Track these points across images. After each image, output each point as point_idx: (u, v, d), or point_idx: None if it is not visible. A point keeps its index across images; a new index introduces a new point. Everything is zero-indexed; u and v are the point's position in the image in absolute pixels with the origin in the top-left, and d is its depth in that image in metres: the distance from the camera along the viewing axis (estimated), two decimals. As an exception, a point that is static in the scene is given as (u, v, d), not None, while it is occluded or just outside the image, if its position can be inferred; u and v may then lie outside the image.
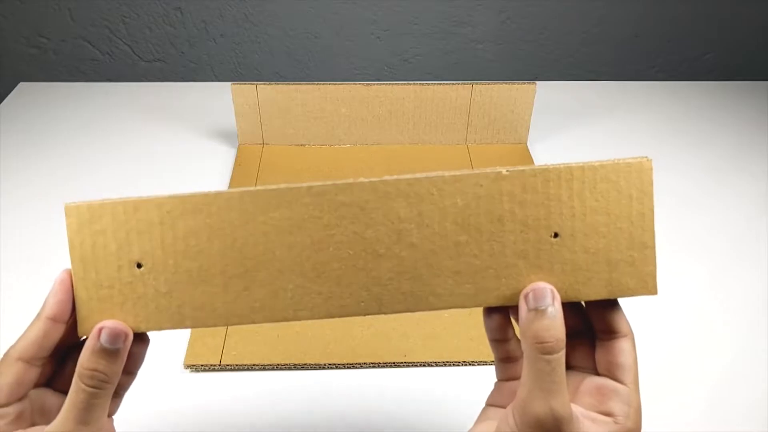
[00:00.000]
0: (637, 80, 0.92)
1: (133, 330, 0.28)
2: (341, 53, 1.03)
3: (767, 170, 0.73)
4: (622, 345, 0.29)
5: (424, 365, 0.49)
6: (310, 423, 0.45)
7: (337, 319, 0.31)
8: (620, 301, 0.30)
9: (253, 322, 0.29)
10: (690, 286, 0.57)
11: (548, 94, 0.80)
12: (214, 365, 0.48)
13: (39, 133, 0.77)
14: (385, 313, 0.29)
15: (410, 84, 0.70)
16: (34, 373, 0.28)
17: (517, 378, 0.31)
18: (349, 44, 1.02)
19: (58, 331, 0.28)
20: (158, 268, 0.28)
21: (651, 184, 0.28)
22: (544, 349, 0.26)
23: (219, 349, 0.49)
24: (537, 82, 0.70)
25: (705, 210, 0.66)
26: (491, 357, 0.49)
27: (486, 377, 0.48)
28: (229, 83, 0.70)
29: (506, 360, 0.31)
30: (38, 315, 0.28)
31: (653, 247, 0.29)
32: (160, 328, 0.29)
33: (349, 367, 0.49)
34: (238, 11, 0.97)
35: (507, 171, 0.28)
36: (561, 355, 0.27)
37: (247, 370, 0.49)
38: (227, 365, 0.48)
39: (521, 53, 1.04)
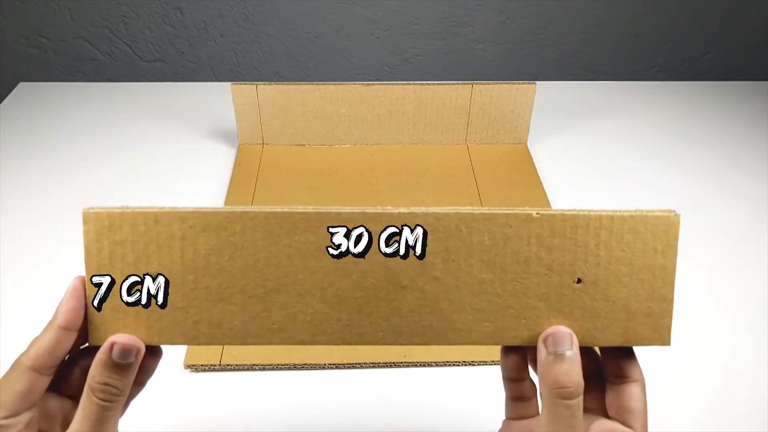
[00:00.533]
0: (637, 80, 0.92)
1: (145, 343, 0.28)
2: (341, 53, 1.03)
3: (767, 170, 0.73)
4: (632, 390, 0.29)
5: (424, 365, 0.49)
6: (311, 423, 0.45)
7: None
8: None
9: (270, 343, 0.29)
10: (690, 286, 0.57)
11: (548, 94, 0.80)
12: (214, 365, 0.48)
13: (39, 133, 0.77)
14: (402, 344, 0.29)
15: (410, 84, 0.70)
16: (44, 382, 0.28)
17: (527, 417, 0.31)
18: (349, 44, 1.02)
19: (70, 340, 0.28)
20: (176, 283, 0.28)
21: (677, 238, 0.28)
22: (563, 394, 0.27)
23: (219, 349, 0.49)
24: (537, 82, 0.70)
25: (705, 210, 0.66)
26: (491, 357, 0.49)
27: (486, 377, 0.49)
28: (229, 83, 0.70)
29: (518, 399, 0.31)
30: (50, 323, 0.28)
31: (672, 301, 0.29)
32: (173, 343, 0.29)
33: (349, 367, 0.49)
34: (238, 11, 0.97)
35: (537, 214, 0.28)
36: (580, 400, 0.27)
37: (247, 370, 0.49)
38: (227, 365, 0.48)
39: (521, 53, 1.04)
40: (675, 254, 0.29)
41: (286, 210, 0.28)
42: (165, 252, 0.28)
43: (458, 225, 0.28)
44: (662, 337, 0.29)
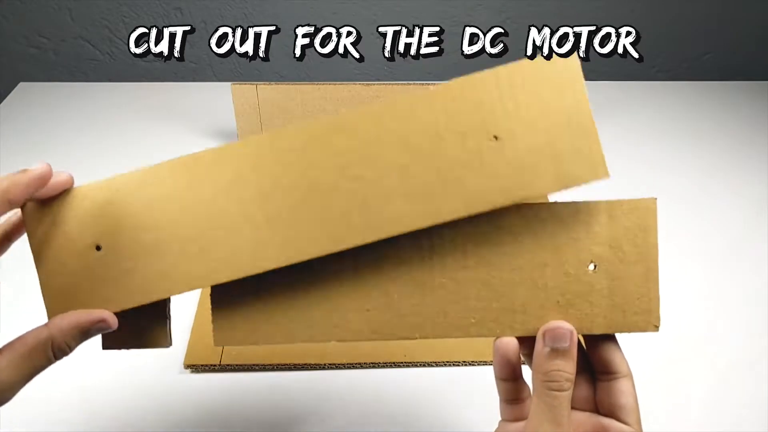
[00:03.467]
0: (637, 80, 0.92)
1: (108, 311, 0.29)
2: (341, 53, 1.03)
3: (767, 170, 0.73)
4: (622, 386, 0.29)
5: (424, 365, 0.49)
6: (310, 423, 0.45)
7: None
8: (619, 337, 0.30)
9: (217, 282, 0.29)
10: (689, 286, 0.57)
11: (548, 94, 0.80)
12: (214, 365, 0.48)
13: (39, 133, 0.77)
14: (342, 249, 0.29)
15: (410, 84, 0.70)
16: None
17: (522, 419, 0.31)
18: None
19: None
20: (117, 247, 0.29)
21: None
22: (553, 386, 0.27)
23: (219, 349, 0.49)
24: (537, 82, 0.70)
25: (705, 210, 0.66)
26: (491, 357, 0.49)
27: (486, 377, 0.49)
28: (229, 83, 0.70)
29: (512, 402, 0.32)
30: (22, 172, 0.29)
31: (596, 132, 0.28)
32: (133, 305, 0.29)
33: (349, 367, 0.49)
34: (238, 11, 0.97)
35: (434, 87, 0.29)
36: (569, 393, 0.27)
37: (247, 370, 0.49)
38: (227, 365, 0.48)
39: (521, 53, 1.04)
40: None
41: (192, 156, 0.30)
42: (100, 221, 0.30)
43: (365, 123, 0.29)
44: (599, 171, 0.29)
